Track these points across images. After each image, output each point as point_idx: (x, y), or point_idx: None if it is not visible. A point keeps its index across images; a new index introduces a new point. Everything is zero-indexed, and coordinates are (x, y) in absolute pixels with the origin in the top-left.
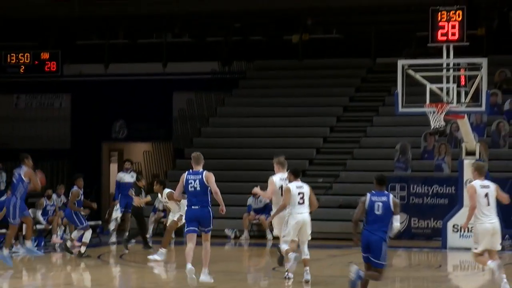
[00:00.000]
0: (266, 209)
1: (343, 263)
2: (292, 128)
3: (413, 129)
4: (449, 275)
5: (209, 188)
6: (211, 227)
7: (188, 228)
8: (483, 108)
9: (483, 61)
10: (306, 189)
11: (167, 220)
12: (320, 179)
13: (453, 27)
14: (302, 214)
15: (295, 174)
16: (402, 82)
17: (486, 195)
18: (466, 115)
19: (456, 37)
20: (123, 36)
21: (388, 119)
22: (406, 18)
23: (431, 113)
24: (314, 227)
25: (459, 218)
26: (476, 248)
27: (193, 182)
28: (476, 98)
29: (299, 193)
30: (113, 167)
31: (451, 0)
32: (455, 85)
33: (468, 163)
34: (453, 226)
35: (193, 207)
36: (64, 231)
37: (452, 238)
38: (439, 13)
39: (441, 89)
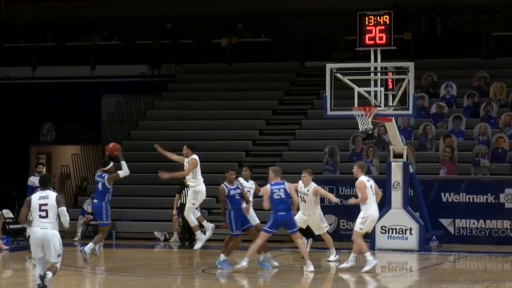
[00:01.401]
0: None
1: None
2: (221, 131)
3: (342, 132)
4: (377, 276)
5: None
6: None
7: (269, 230)
8: (410, 111)
9: (410, 65)
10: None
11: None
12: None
13: (381, 31)
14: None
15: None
16: (331, 85)
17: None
18: (393, 118)
19: (384, 41)
20: (51, 39)
21: (317, 122)
22: (334, 22)
23: (359, 116)
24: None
25: (387, 219)
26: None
27: (277, 191)
28: (403, 102)
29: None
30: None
31: (378, 5)
32: (382, 89)
33: (395, 166)
34: (381, 227)
35: (279, 213)
36: None
37: (380, 240)
38: (367, 18)
39: (369, 92)
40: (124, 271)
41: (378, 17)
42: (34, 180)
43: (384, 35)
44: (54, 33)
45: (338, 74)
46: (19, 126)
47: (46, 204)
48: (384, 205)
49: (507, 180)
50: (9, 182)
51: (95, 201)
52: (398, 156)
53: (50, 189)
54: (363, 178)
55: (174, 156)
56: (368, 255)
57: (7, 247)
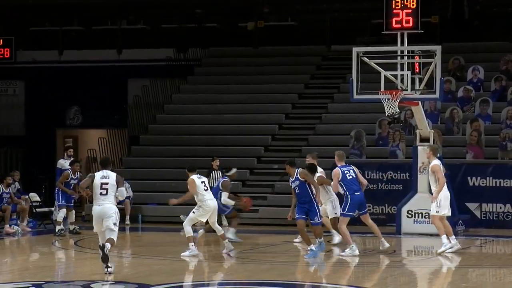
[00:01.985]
0: None
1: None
2: (247, 115)
3: (368, 116)
4: (403, 260)
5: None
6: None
7: (350, 213)
8: (437, 95)
9: (437, 49)
10: None
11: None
12: (276, 166)
13: (407, 14)
14: None
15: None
16: (357, 69)
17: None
18: (420, 102)
19: (410, 24)
20: (77, 23)
21: (343, 106)
22: (360, 6)
23: (385, 100)
24: (271, 213)
25: (413, 204)
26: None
27: (349, 172)
28: (430, 86)
29: None
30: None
31: None
32: (409, 73)
33: (422, 150)
34: (407, 211)
35: (356, 193)
36: (18, 218)
37: (406, 224)
38: (394, 1)
39: (395, 76)
40: (149, 255)
41: (405, 1)
42: (63, 163)
43: (411, 18)
44: (80, 17)
45: (365, 57)
46: (46, 110)
47: (107, 184)
48: (410, 189)
49: None
50: (35, 166)
51: None
52: (424, 140)
53: (111, 170)
54: (436, 162)
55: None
56: (444, 237)
57: (30, 229)
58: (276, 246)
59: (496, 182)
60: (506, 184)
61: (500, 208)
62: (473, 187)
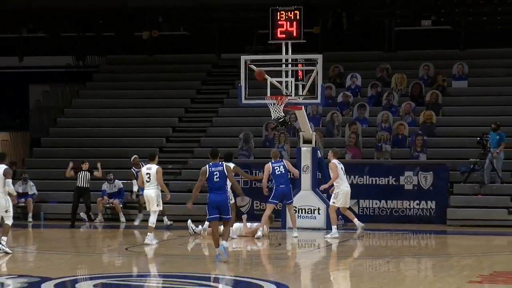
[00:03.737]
0: (119, 193)
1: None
2: (143, 119)
3: (255, 119)
4: (288, 253)
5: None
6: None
7: (274, 201)
8: (319, 100)
9: (319, 57)
10: None
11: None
12: (170, 166)
13: (291, 25)
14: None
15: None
16: (245, 76)
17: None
18: (303, 107)
19: (294, 35)
20: None
21: (233, 110)
22: (248, 16)
23: (271, 104)
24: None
25: (297, 200)
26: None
27: (279, 168)
28: (312, 91)
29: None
30: None
31: (289, 1)
32: (293, 79)
33: (305, 151)
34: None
35: (280, 186)
36: None
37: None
38: (278, 13)
39: (280, 82)
40: (51, 250)
41: (289, 12)
42: None
43: (294, 29)
44: None
45: (252, 65)
46: None
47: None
48: (294, 187)
49: (406, 164)
50: None
51: None
52: (307, 141)
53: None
54: (335, 161)
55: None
56: (335, 227)
57: None
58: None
59: (372, 180)
60: (381, 182)
61: (376, 204)
62: (351, 185)
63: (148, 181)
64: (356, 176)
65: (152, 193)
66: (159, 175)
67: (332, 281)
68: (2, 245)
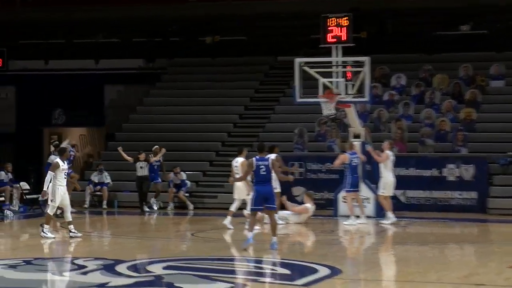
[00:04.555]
0: (183, 184)
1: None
2: (206, 116)
3: (309, 116)
4: (340, 239)
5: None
6: None
7: (353, 189)
8: (367, 98)
9: (366, 59)
10: None
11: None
12: (231, 159)
13: (341, 30)
14: None
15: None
16: (299, 76)
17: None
18: (352, 105)
19: (344, 39)
20: (61, 36)
21: (288, 108)
22: (302, 23)
23: (323, 102)
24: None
25: None
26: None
27: (354, 159)
28: (360, 90)
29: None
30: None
31: (338, 8)
32: (343, 79)
33: (355, 144)
34: (343, 197)
35: (355, 175)
36: (10, 204)
37: (342, 208)
38: (329, 19)
39: (331, 82)
40: (123, 235)
41: (339, 19)
42: (53, 158)
43: (344, 34)
44: (63, 31)
45: (306, 67)
46: (34, 111)
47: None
48: (344, 178)
49: (448, 157)
50: (25, 159)
51: None
52: (356, 136)
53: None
54: (389, 152)
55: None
56: (390, 213)
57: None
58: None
59: (417, 172)
60: (426, 173)
61: (421, 194)
62: (398, 176)
63: (237, 173)
64: (403, 168)
65: (240, 184)
66: (243, 167)
67: (381, 265)
68: (71, 231)
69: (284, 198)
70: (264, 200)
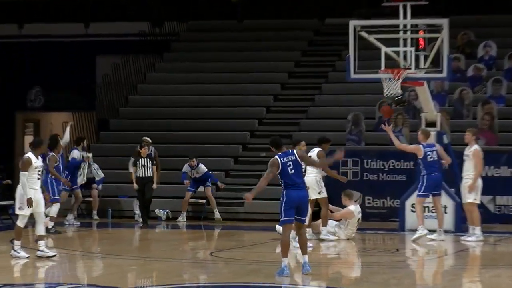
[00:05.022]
0: (204, 180)
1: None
2: (230, 97)
3: (367, 97)
4: (407, 260)
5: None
6: None
7: (426, 194)
8: (444, 74)
9: (444, 22)
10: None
11: None
12: (263, 154)
13: None
14: None
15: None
16: (354, 45)
17: None
18: (425, 82)
19: None
20: None
21: (339, 87)
22: None
23: (386, 79)
24: (259, 206)
25: None
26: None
27: (431, 153)
28: (436, 63)
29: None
30: (28, 139)
31: None
32: (413, 49)
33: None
34: (412, 205)
35: (433, 174)
36: None
37: (411, 219)
38: None
39: (397, 53)
40: (121, 254)
41: None
42: (76, 154)
43: None
44: None
45: (363, 32)
46: (4, 91)
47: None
48: (414, 180)
49: None
50: None
51: None
52: (430, 124)
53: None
54: (478, 147)
55: None
56: (478, 229)
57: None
58: (263, 244)
59: (511, 172)
60: None
61: None
62: (485, 177)
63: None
64: (492, 167)
65: (310, 180)
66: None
67: None
68: (39, 249)
69: (331, 207)
70: (295, 210)
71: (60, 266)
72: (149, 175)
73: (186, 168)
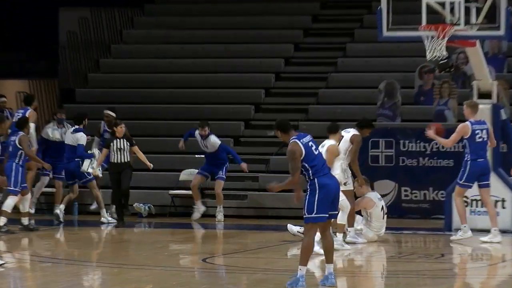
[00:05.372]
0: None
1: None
2: (227, 60)
3: (404, 61)
4: (454, 268)
5: None
6: None
7: (469, 184)
8: (502, 31)
9: None
10: None
11: None
12: (271, 133)
13: None
14: None
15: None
16: None
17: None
18: (478, 42)
19: None
20: None
21: (368, 47)
22: None
23: (428, 38)
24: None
25: None
26: None
27: (480, 132)
28: (492, 18)
29: None
30: None
31: None
32: (462, 0)
33: (481, 109)
34: None
35: (479, 160)
36: None
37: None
38: None
39: (443, 4)
40: (90, 260)
41: None
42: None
43: None
44: None
45: None
46: None
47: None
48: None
49: None
50: None
51: None
52: (484, 95)
53: None
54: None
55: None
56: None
57: None
58: (271, 248)
59: None
60: None
61: None
62: None
63: None
64: None
65: (336, 167)
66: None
67: None
68: None
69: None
70: (332, 204)
71: (7, 277)
72: (126, 160)
73: (196, 134)
